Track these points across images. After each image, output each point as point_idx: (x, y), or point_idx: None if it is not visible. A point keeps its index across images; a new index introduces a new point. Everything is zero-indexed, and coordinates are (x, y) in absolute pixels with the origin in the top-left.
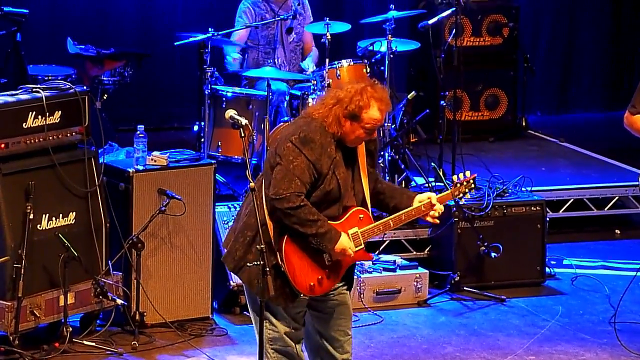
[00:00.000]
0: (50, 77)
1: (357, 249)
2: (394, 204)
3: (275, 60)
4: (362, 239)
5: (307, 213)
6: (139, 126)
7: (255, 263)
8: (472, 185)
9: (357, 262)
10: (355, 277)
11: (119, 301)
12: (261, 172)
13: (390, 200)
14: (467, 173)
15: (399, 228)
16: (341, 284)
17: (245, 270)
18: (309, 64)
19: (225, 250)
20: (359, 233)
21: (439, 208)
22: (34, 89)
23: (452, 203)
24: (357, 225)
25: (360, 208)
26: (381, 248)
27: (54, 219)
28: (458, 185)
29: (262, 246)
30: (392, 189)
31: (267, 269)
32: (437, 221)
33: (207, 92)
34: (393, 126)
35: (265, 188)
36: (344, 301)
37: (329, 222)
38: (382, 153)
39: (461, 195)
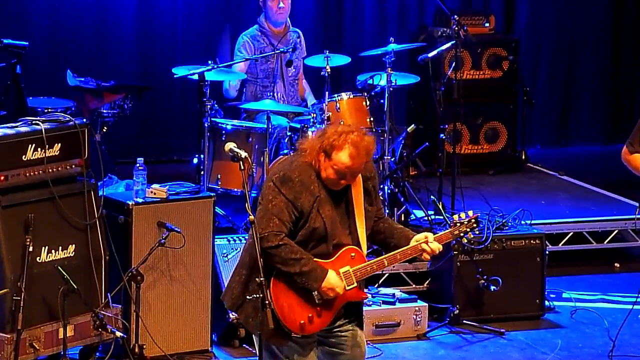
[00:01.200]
0: (49, 110)
1: (350, 287)
2: (393, 244)
3: (275, 94)
4: (355, 277)
5: (288, 252)
6: (138, 159)
7: (255, 296)
8: (474, 225)
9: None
10: None
11: (118, 334)
12: None
13: (389, 240)
14: (470, 212)
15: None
16: (346, 321)
17: (243, 308)
18: (312, 100)
19: (226, 286)
20: (350, 271)
21: (436, 247)
22: (34, 122)
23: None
24: (349, 264)
25: (353, 247)
26: (380, 281)
27: (53, 251)
28: (458, 224)
29: (261, 279)
30: (392, 229)
31: (267, 301)
32: (427, 257)
33: (206, 125)
34: (392, 159)
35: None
36: (356, 341)
37: (315, 260)
38: (381, 186)
39: (462, 234)
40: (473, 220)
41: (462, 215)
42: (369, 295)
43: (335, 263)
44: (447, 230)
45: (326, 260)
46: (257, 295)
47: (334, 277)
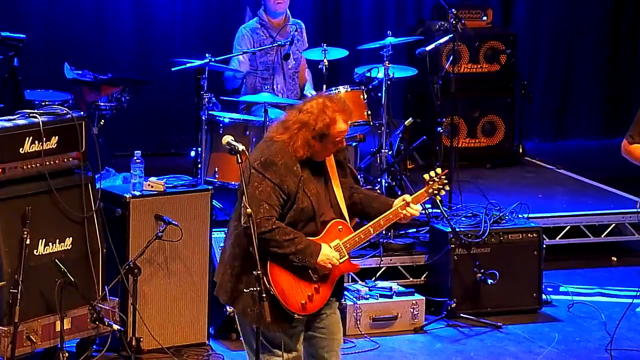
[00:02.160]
0: (47, 103)
1: (342, 259)
2: (374, 212)
3: (275, 86)
4: (345, 249)
5: (282, 234)
6: (136, 152)
7: (252, 289)
8: (445, 181)
9: (350, 284)
10: (352, 303)
11: (116, 327)
12: None
13: (369, 209)
14: (438, 170)
15: (395, 254)
16: (333, 299)
17: (239, 300)
18: (311, 92)
19: (217, 283)
20: (340, 244)
21: (416, 208)
22: (31, 114)
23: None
24: (337, 237)
25: (338, 220)
26: (378, 275)
27: (50, 244)
28: (431, 183)
29: (258, 272)
30: (368, 198)
31: (264, 295)
32: (409, 219)
33: (204, 118)
34: (390, 152)
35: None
36: (335, 318)
37: (307, 238)
38: (379, 179)
39: (436, 192)
40: (443, 177)
41: (432, 173)
42: (360, 266)
43: (324, 238)
44: (422, 190)
45: (315, 237)
46: (255, 288)
47: (328, 248)
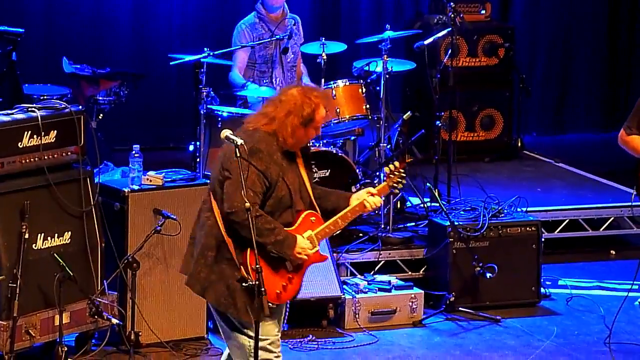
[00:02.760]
0: (45, 97)
1: (314, 250)
2: (331, 206)
3: (274, 80)
4: (317, 240)
5: (264, 222)
6: (134, 146)
7: (250, 283)
8: (403, 174)
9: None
10: (350, 297)
11: (114, 321)
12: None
13: (326, 204)
14: (396, 164)
15: (394, 248)
16: None
17: (211, 290)
18: (309, 84)
19: (186, 276)
20: (312, 235)
21: (378, 200)
22: (30, 109)
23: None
24: (310, 228)
25: (311, 211)
26: (376, 268)
27: (49, 238)
28: (391, 176)
29: (257, 266)
30: (325, 192)
31: (263, 288)
32: (371, 209)
33: (202, 112)
34: (388, 146)
35: (218, 205)
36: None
37: (284, 228)
38: (377, 173)
39: (395, 185)
40: (402, 171)
41: (391, 166)
42: (328, 256)
43: (298, 229)
44: (384, 183)
45: (290, 228)
46: (253, 282)
47: (303, 240)
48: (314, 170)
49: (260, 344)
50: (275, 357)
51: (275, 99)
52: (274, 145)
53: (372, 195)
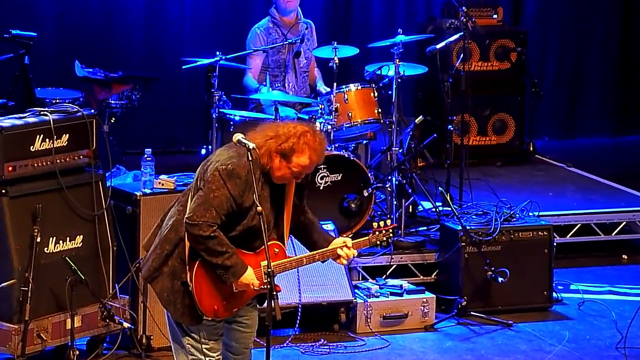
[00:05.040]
0: (57, 100)
1: (262, 287)
2: (310, 242)
3: (286, 84)
4: (273, 272)
5: (217, 244)
6: (146, 150)
7: (262, 286)
8: (391, 235)
9: None
10: (362, 301)
11: (126, 324)
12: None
13: (306, 238)
14: (388, 222)
15: (405, 252)
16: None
17: (158, 281)
18: (324, 87)
19: (144, 256)
20: (264, 269)
21: (352, 252)
22: (42, 112)
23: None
24: (271, 259)
25: (277, 242)
26: (388, 273)
27: (61, 242)
28: (377, 233)
29: (270, 270)
30: (312, 227)
31: (275, 292)
32: (345, 262)
33: (214, 116)
34: (400, 150)
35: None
36: (255, 314)
37: (239, 253)
38: (389, 177)
39: (378, 242)
40: (391, 230)
41: (382, 223)
42: (281, 288)
43: (258, 255)
44: (366, 238)
45: (251, 253)
46: (265, 287)
47: (251, 274)
48: (324, 177)
49: (199, 345)
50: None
51: (283, 122)
52: (257, 173)
53: (348, 248)
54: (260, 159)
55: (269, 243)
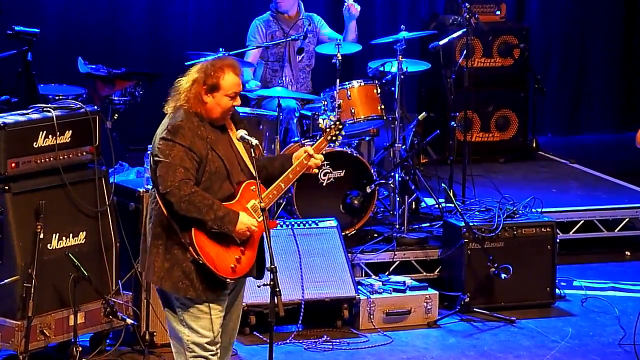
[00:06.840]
0: (61, 97)
1: (260, 219)
2: (277, 171)
3: (283, 78)
4: (264, 206)
5: (201, 198)
6: (149, 146)
7: (265, 283)
8: (340, 126)
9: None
10: (365, 297)
11: (129, 321)
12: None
13: (272, 170)
14: (332, 117)
15: (408, 249)
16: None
17: (168, 278)
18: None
19: (144, 268)
20: (257, 204)
21: (319, 157)
22: (45, 109)
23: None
24: (253, 198)
25: (250, 181)
26: (391, 269)
27: (64, 238)
28: (328, 130)
29: (273, 266)
30: (269, 159)
31: (278, 289)
32: (316, 171)
33: None
34: (403, 147)
35: (156, 191)
36: (239, 299)
37: (226, 203)
38: (392, 174)
39: (334, 138)
40: (338, 123)
41: (327, 121)
42: (278, 223)
43: (240, 201)
44: (321, 138)
45: (231, 201)
46: (268, 283)
47: (245, 217)
48: (327, 173)
49: (198, 339)
50: (212, 355)
51: (186, 80)
52: (194, 120)
53: (313, 156)
54: (195, 111)
55: (244, 184)
